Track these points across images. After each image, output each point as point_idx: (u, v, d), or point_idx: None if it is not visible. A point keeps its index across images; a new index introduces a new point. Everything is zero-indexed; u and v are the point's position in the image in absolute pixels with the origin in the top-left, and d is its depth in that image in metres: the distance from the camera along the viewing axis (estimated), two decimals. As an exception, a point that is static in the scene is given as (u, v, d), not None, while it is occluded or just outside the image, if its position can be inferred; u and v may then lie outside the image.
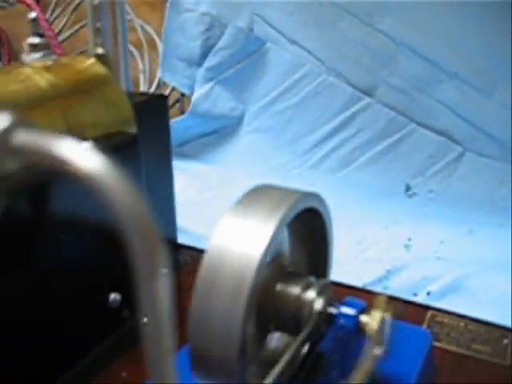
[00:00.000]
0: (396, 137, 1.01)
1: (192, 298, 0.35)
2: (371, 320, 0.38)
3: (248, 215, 0.36)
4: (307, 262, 0.44)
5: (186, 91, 1.02)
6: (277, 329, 0.41)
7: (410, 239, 0.77)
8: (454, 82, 0.98)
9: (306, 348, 0.43)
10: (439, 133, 1.00)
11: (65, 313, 0.47)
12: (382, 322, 0.38)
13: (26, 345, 0.43)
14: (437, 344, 0.52)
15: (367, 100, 1.02)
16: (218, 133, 1.05)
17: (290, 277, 0.40)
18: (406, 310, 0.57)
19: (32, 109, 0.46)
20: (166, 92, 1.04)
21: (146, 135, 0.55)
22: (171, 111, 1.06)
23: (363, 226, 0.82)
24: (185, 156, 1.02)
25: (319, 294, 0.39)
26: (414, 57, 0.99)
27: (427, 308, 0.58)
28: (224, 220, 0.37)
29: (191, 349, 0.36)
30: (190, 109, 1.00)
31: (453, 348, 0.52)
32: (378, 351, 0.36)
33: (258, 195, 0.38)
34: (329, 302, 0.39)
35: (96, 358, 0.50)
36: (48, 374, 0.46)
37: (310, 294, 0.39)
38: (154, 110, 0.59)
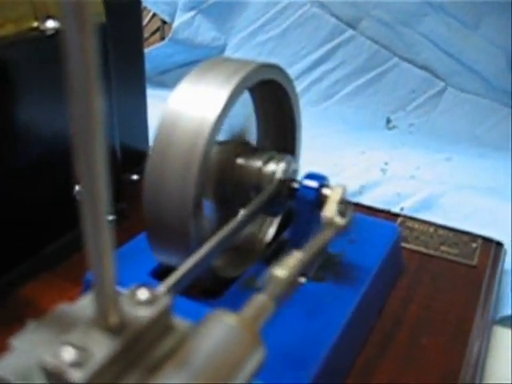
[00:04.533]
0: (378, 70, 1.00)
1: (146, 163, 0.35)
2: (333, 192, 0.37)
3: (203, 81, 0.35)
4: (275, 141, 0.44)
5: (166, 18, 1.00)
6: (241, 206, 0.40)
7: (386, 163, 0.77)
8: (439, 15, 0.96)
9: (271, 232, 0.43)
10: (422, 67, 0.99)
11: (30, 204, 0.47)
12: (344, 194, 0.37)
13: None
14: (405, 245, 0.52)
15: (350, 32, 1.00)
16: (199, 63, 1.03)
17: (252, 152, 0.40)
18: (377, 217, 0.56)
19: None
20: (146, 19, 1.01)
21: (116, 33, 0.54)
22: (152, 39, 1.04)
23: (340, 151, 0.81)
24: (164, 85, 1.01)
25: (280, 166, 0.38)
26: (400, -11, 0.97)
27: (398, 216, 0.58)
28: (178, 87, 0.36)
29: (146, 219, 0.36)
30: (170, 36, 0.98)
31: (421, 249, 0.52)
32: (339, 221, 0.36)
33: (214, 64, 0.37)
34: (290, 176, 0.39)
35: (61, 248, 0.50)
36: (12, 260, 0.46)
37: (271, 167, 0.38)
38: (125, 7, 0.57)
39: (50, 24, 0.45)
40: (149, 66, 0.92)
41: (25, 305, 0.45)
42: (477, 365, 0.42)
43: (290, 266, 0.29)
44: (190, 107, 0.35)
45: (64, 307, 0.25)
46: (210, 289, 0.39)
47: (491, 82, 0.96)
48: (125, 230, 0.46)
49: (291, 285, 0.28)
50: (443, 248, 0.52)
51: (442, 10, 0.96)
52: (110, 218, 0.47)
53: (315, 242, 0.32)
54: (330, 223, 0.35)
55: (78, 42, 0.16)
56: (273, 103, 0.42)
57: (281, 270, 0.28)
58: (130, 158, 0.61)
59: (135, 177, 0.61)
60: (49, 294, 0.46)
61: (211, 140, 0.33)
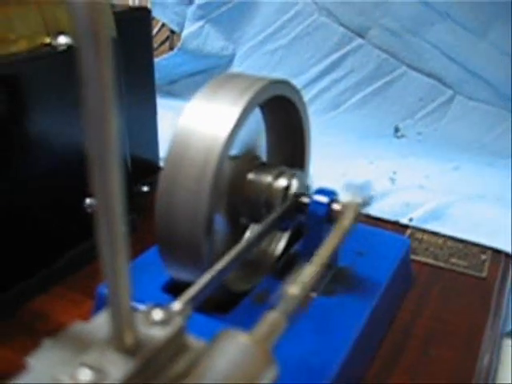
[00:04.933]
0: (386, 79, 1.00)
1: (159, 179, 0.35)
2: (343, 208, 0.37)
3: (215, 98, 0.36)
4: (285, 156, 0.44)
5: (175, 28, 1.01)
6: (251, 220, 0.41)
7: (394, 173, 0.77)
8: (446, 23, 0.97)
9: (281, 246, 0.43)
10: (430, 76, 0.99)
11: (41, 216, 0.47)
12: (355, 210, 0.37)
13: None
14: (414, 257, 0.52)
15: (359, 41, 1.01)
16: (208, 72, 1.04)
17: (262, 167, 0.40)
18: (386, 228, 0.56)
19: (8, 2, 0.45)
20: (155, 29, 1.02)
21: (126, 46, 0.55)
22: (160, 49, 1.05)
23: (348, 160, 0.81)
24: (174, 95, 1.01)
25: (291, 181, 0.39)
26: (407, -3, 0.98)
27: (407, 227, 0.58)
28: (191, 103, 0.36)
29: (158, 234, 0.36)
30: (178, 45, 0.98)
31: (430, 261, 0.52)
32: (346, 226, 0.36)
33: (225, 81, 0.37)
34: (301, 191, 0.39)
35: (72, 260, 0.50)
36: (23, 272, 0.47)
37: (282, 182, 0.39)
38: (135, 20, 0.58)
39: (62, 40, 0.46)
40: (158, 75, 0.92)
41: (36, 317, 0.45)
42: (487, 377, 0.42)
43: (303, 282, 0.29)
44: (202, 124, 0.35)
45: (79, 325, 0.25)
46: (219, 302, 0.39)
47: (500, 90, 0.96)
48: (135, 242, 0.47)
49: (304, 301, 0.28)
50: (453, 260, 0.52)
51: (449, 17, 0.96)
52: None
53: (324, 251, 0.32)
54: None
55: (94, 61, 0.17)
56: (282, 118, 0.42)
57: (294, 287, 0.28)
58: (139, 168, 0.61)
59: (145, 188, 0.62)
60: (60, 306, 0.46)
61: (223, 156, 0.34)
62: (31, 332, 0.43)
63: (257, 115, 0.42)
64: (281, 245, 0.44)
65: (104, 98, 0.17)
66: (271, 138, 0.44)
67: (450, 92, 0.98)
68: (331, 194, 0.38)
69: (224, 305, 0.39)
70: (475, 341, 0.44)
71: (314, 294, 0.40)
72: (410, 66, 0.99)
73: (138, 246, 0.45)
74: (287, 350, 0.34)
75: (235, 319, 0.37)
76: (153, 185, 0.59)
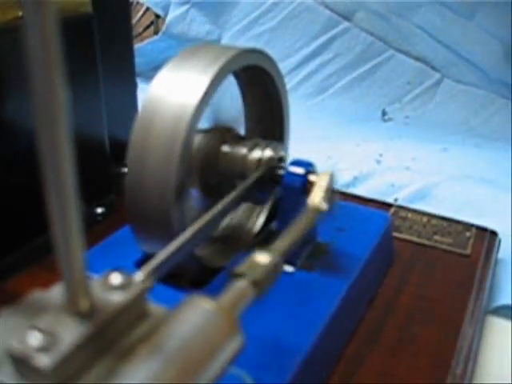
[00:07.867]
0: (374, 62, 0.99)
1: (128, 149, 0.34)
2: (319, 179, 0.36)
3: (185, 67, 0.35)
4: (264, 129, 0.43)
5: (160, 12, 1.00)
6: (227, 194, 0.40)
7: (381, 155, 0.76)
8: (433, 5, 0.96)
9: (260, 222, 0.42)
10: (417, 59, 0.98)
11: (18, 195, 0.46)
12: (331, 181, 0.37)
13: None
14: (397, 235, 0.51)
15: (345, 24, 1.00)
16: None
17: (237, 139, 0.39)
18: (369, 207, 0.55)
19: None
20: (140, 13, 1.01)
21: (104, 25, 0.54)
22: (145, 33, 1.04)
23: (335, 143, 0.80)
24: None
25: (265, 152, 0.38)
26: (394, -20, 0.96)
27: (391, 206, 0.57)
28: (161, 72, 0.35)
29: (129, 206, 0.35)
30: (163, 30, 0.97)
31: (414, 238, 0.51)
32: (322, 206, 0.35)
33: (197, 50, 0.36)
34: (275, 162, 0.38)
35: (48, 241, 0.49)
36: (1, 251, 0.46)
37: (256, 154, 0.38)
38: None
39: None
40: (142, 60, 0.92)
41: (10, 299, 0.44)
42: (469, 354, 0.41)
43: (274, 250, 0.28)
44: (171, 93, 0.34)
45: (37, 294, 0.24)
46: (198, 279, 0.38)
47: (487, 73, 0.96)
48: (115, 222, 0.46)
49: (273, 270, 0.27)
50: (436, 237, 0.51)
51: (436, 0, 0.95)
52: (100, 210, 0.47)
53: (296, 226, 0.32)
54: (312, 208, 0.34)
55: (39, 30, 0.16)
56: (259, 89, 0.41)
57: (262, 255, 0.27)
58: (119, 151, 0.60)
59: (125, 169, 0.61)
60: (35, 287, 0.45)
61: (193, 126, 0.33)
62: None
63: (233, 87, 0.41)
64: (259, 221, 0.43)
65: (50, 77, 0.16)
66: (249, 110, 0.43)
67: (437, 75, 0.97)
68: (307, 166, 0.37)
69: (203, 281, 0.38)
70: (458, 318, 0.43)
71: (292, 269, 0.39)
72: (397, 49, 0.99)
73: (117, 226, 0.44)
74: (263, 323, 0.33)
75: (209, 293, 0.36)
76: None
